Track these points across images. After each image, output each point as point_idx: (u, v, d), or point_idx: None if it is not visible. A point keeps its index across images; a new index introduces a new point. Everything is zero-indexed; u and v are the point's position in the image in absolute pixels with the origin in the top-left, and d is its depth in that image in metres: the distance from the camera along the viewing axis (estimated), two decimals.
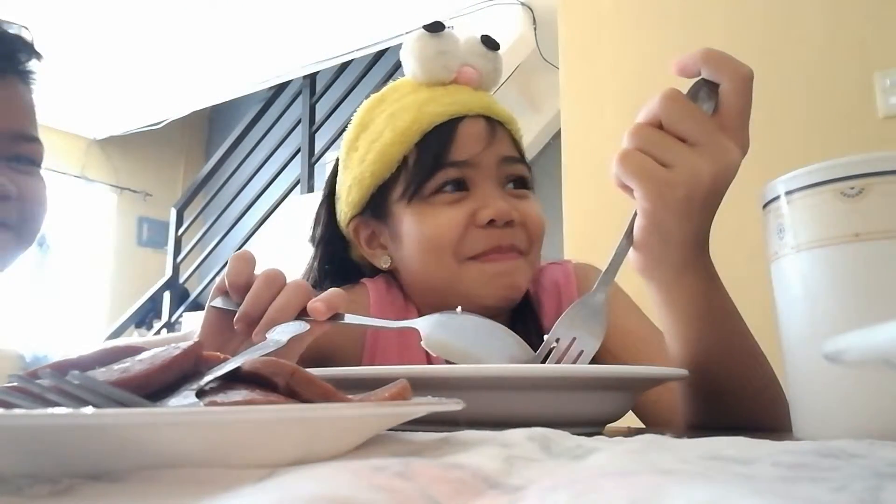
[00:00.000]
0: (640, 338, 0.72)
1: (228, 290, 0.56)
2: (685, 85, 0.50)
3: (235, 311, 0.54)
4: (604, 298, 0.51)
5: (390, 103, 0.75)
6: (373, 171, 0.73)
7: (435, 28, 0.74)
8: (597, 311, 0.51)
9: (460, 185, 0.71)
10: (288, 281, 0.55)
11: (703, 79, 0.49)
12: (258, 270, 0.56)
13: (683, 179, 0.47)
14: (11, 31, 0.75)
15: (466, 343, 0.52)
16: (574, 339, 0.51)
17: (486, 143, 0.72)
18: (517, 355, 0.52)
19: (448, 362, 0.53)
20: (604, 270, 0.52)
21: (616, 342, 0.73)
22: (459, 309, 0.54)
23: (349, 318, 0.54)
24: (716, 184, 0.47)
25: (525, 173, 0.75)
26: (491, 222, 0.69)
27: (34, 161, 0.75)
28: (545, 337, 0.52)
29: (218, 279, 0.58)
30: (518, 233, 0.71)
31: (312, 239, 0.83)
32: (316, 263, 0.81)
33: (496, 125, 0.74)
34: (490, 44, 0.76)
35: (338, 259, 0.81)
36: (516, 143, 0.76)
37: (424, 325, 0.53)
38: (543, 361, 0.51)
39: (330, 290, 0.55)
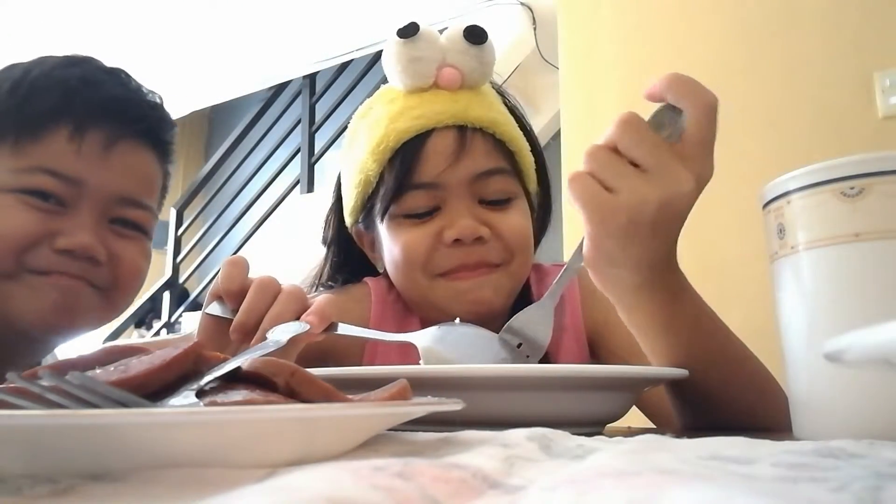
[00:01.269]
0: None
1: (223, 296, 0.56)
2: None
3: (230, 318, 0.54)
4: (550, 312, 0.54)
5: (372, 114, 0.75)
6: (358, 182, 0.73)
7: (407, 32, 0.70)
8: (545, 318, 0.54)
9: (429, 206, 0.69)
10: (282, 286, 0.55)
11: (668, 104, 0.49)
12: (259, 271, 0.56)
13: (627, 205, 0.46)
14: (154, 99, 0.75)
15: (464, 357, 0.54)
16: (520, 343, 0.54)
17: (453, 158, 0.68)
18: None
19: None
20: (554, 281, 0.54)
21: (617, 347, 0.73)
22: (458, 320, 0.56)
23: (344, 329, 0.55)
24: (663, 211, 0.47)
25: (503, 185, 0.71)
26: (457, 241, 0.68)
27: (139, 227, 0.74)
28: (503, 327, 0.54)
29: (212, 285, 0.58)
30: (491, 248, 0.70)
31: (324, 240, 0.83)
32: (328, 264, 0.82)
33: (470, 134, 0.70)
34: (473, 38, 0.71)
35: (349, 257, 0.81)
36: (503, 148, 0.72)
37: (421, 340, 0.54)
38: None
39: (320, 298, 0.55)
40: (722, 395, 0.52)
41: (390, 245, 0.71)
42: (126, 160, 0.71)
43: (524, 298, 0.77)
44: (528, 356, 0.53)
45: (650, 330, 0.53)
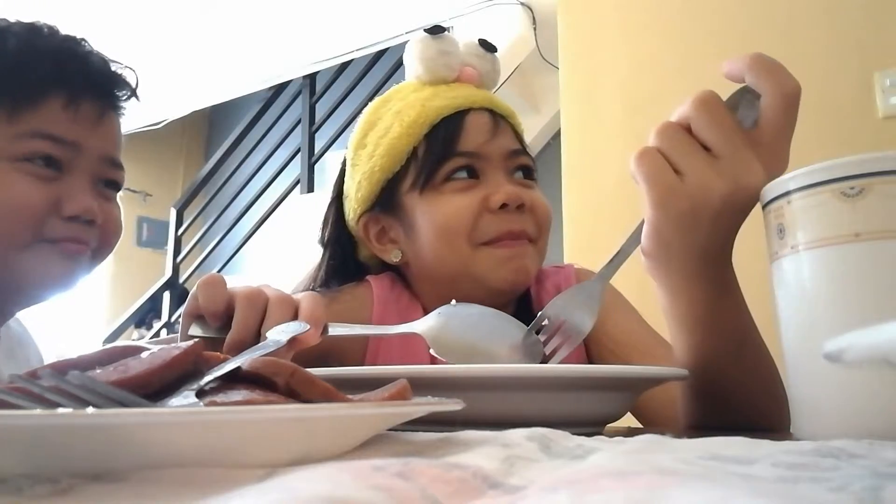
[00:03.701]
0: (641, 339, 0.73)
1: (207, 317, 0.54)
2: (695, 88, 0.47)
3: (215, 337, 0.53)
4: (601, 288, 0.51)
5: (396, 102, 0.78)
6: (382, 165, 0.75)
7: (436, 31, 0.76)
8: (592, 299, 0.51)
9: (471, 174, 0.73)
10: (267, 293, 0.54)
11: (746, 86, 0.46)
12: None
13: (691, 192, 0.45)
14: (119, 70, 0.82)
15: (473, 337, 0.52)
16: (564, 321, 0.51)
17: (491, 134, 0.74)
18: (520, 342, 0.53)
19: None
20: (607, 263, 0.51)
21: (608, 340, 0.73)
22: (454, 301, 0.54)
23: (336, 330, 0.53)
24: (726, 203, 0.45)
25: (530, 164, 0.77)
26: (503, 207, 0.70)
27: (117, 185, 0.81)
28: (538, 313, 0.52)
29: (185, 307, 0.55)
30: (528, 218, 0.73)
31: (322, 240, 0.83)
32: (324, 266, 0.82)
33: (499, 118, 0.76)
34: (487, 46, 0.79)
35: (347, 260, 0.81)
36: (519, 137, 0.78)
37: (426, 329, 0.53)
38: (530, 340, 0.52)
39: (308, 299, 0.53)
40: (740, 395, 0.52)
41: (431, 216, 0.72)
42: (110, 124, 0.79)
43: (523, 301, 0.77)
44: (569, 335, 0.50)
45: (689, 321, 0.51)
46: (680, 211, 0.45)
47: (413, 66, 0.77)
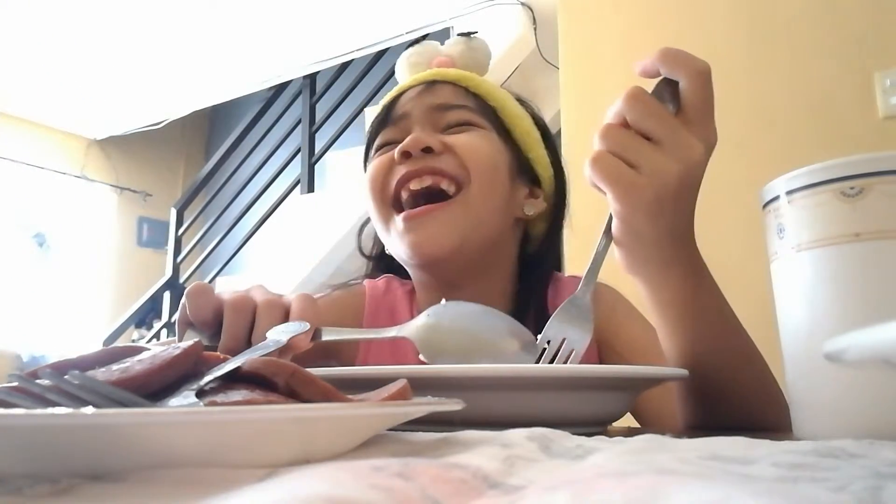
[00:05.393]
0: (644, 344, 0.73)
1: (197, 326, 0.54)
2: None
3: (209, 344, 0.52)
4: (589, 298, 0.52)
5: None
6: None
7: (414, 42, 0.82)
8: (584, 310, 0.52)
9: (399, 138, 0.72)
10: (255, 297, 0.53)
11: (664, 78, 0.50)
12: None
13: (650, 181, 0.47)
14: None
15: (463, 341, 0.51)
16: (564, 339, 0.51)
17: (418, 95, 0.74)
18: (512, 338, 0.51)
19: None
20: (586, 270, 0.52)
21: (623, 349, 0.73)
22: (444, 301, 0.54)
23: (329, 334, 0.53)
24: (682, 182, 0.48)
25: (465, 117, 0.73)
26: (406, 155, 0.70)
27: None
28: (537, 338, 0.52)
29: (178, 315, 0.55)
30: (445, 160, 0.70)
31: (362, 251, 0.86)
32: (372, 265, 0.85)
33: (442, 83, 0.75)
34: (464, 33, 0.80)
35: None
36: (477, 96, 0.75)
37: (414, 333, 0.52)
38: (537, 362, 0.51)
39: (299, 302, 0.53)
40: (734, 389, 0.53)
41: (364, 181, 0.75)
42: None
43: (540, 308, 0.76)
44: (572, 350, 0.50)
45: (672, 312, 0.53)
46: (645, 200, 0.48)
47: (398, 75, 0.81)
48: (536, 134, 0.78)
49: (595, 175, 0.49)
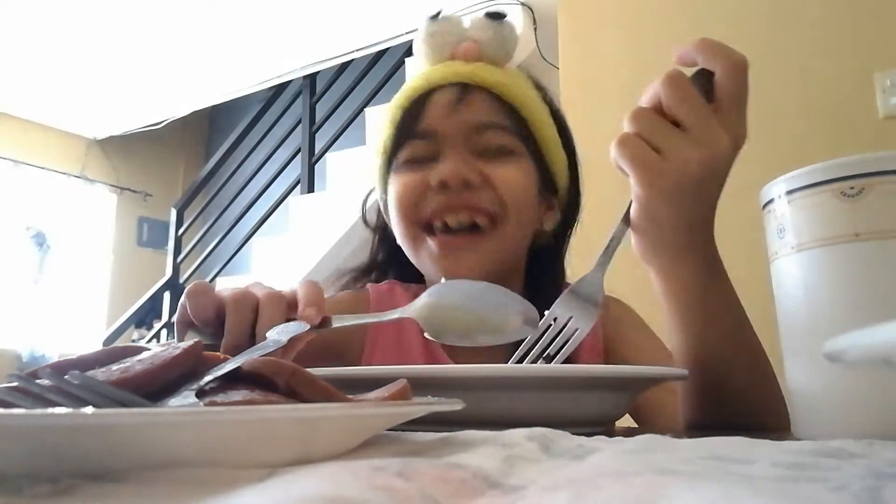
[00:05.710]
0: (650, 353, 0.73)
1: (198, 325, 0.53)
2: None
3: (212, 342, 0.52)
4: (601, 279, 0.52)
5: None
6: (378, 152, 0.76)
7: (433, 15, 0.74)
8: (595, 291, 0.52)
9: (428, 154, 0.71)
10: (256, 292, 0.53)
11: (701, 68, 0.50)
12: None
13: (673, 167, 0.47)
14: None
15: (466, 317, 0.50)
16: (570, 317, 0.51)
17: (451, 109, 0.70)
18: (515, 313, 0.50)
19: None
20: (602, 252, 0.52)
21: (627, 355, 0.73)
22: (443, 279, 0.53)
23: (339, 321, 0.52)
24: (703, 172, 0.48)
25: (501, 140, 0.71)
26: (444, 186, 0.68)
27: None
28: (545, 313, 0.52)
29: (177, 316, 0.54)
30: (482, 196, 0.69)
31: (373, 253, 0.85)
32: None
33: (474, 91, 0.71)
34: (493, 16, 0.76)
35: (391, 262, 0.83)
36: (509, 108, 0.72)
37: (417, 310, 0.52)
38: (539, 339, 0.51)
39: (306, 287, 0.53)
40: (738, 385, 0.53)
41: (391, 195, 0.73)
42: None
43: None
44: (576, 329, 0.50)
45: (682, 302, 0.53)
46: (666, 186, 0.48)
47: (416, 53, 0.77)
48: (556, 136, 0.77)
49: (620, 157, 0.49)
